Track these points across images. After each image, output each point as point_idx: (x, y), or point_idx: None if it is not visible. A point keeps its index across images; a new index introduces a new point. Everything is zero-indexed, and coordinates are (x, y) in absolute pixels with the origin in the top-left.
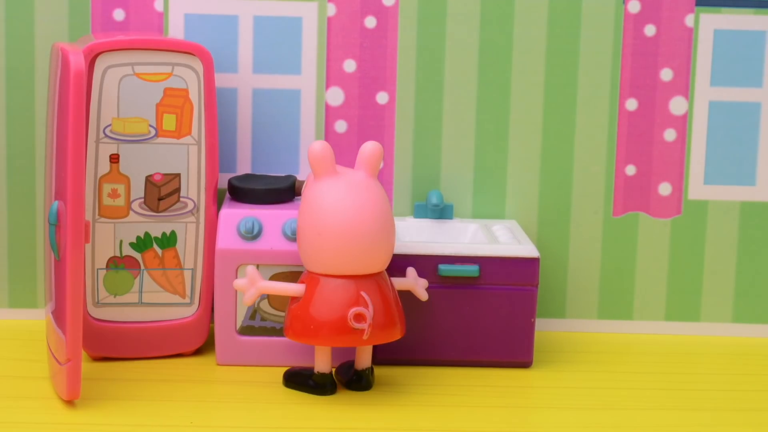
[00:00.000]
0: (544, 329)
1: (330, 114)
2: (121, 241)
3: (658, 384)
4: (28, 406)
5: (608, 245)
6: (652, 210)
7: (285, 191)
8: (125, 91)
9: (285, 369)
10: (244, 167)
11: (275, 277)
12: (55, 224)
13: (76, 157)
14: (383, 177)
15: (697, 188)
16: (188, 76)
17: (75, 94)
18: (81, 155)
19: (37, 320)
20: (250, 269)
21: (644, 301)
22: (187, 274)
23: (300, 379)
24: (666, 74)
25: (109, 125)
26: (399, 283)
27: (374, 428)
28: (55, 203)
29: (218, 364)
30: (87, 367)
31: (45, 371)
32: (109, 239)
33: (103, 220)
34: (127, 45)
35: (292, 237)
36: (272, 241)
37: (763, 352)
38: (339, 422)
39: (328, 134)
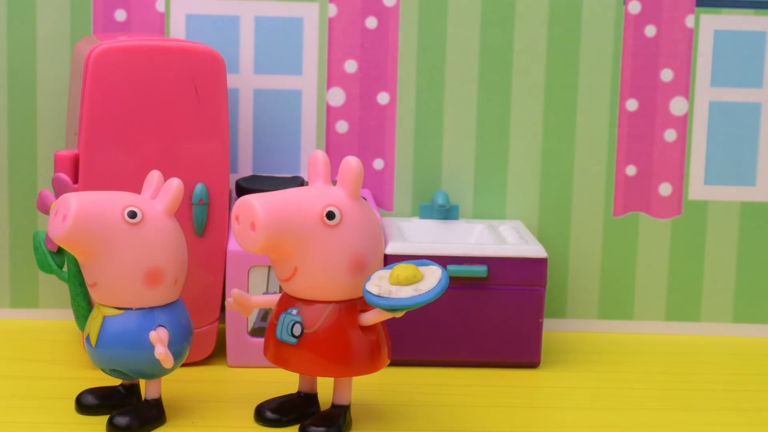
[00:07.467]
0: (545, 329)
1: (331, 114)
2: None
3: (658, 384)
4: (28, 406)
5: (609, 245)
6: (652, 210)
7: None
8: None
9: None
10: (245, 168)
11: None
12: (197, 204)
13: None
14: (384, 177)
15: (697, 188)
16: None
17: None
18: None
19: (38, 320)
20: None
21: (645, 301)
22: None
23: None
24: (666, 75)
25: None
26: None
27: (382, 429)
28: (200, 185)
29: (230, 366)
30: (92, 372)
31: (45, 371)
32: None
33: None
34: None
35: None
36: None
37: (763, 352)
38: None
39: (329, 135)
